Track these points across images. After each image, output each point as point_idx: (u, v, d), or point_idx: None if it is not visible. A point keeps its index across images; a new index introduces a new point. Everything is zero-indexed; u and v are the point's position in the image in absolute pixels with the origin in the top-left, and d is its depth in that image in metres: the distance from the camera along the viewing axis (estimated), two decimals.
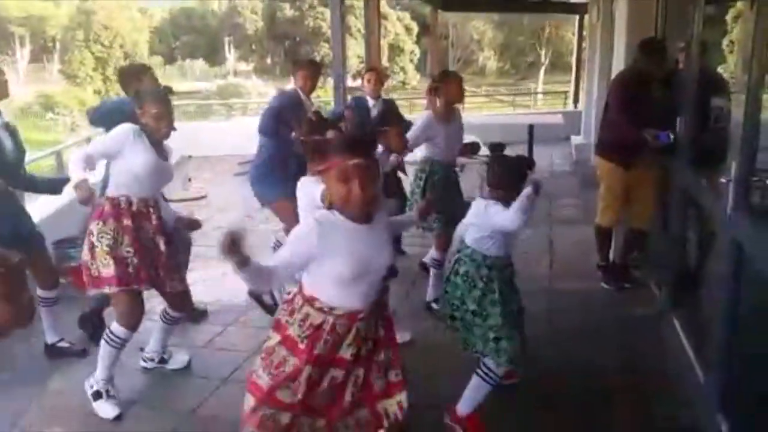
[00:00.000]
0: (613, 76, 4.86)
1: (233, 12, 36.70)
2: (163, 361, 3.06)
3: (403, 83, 33.30)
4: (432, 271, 3.66)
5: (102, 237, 2.59)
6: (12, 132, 2.96)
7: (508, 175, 2.38)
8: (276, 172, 3.57)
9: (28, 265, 2.92)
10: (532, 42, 37.25)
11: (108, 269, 2.57)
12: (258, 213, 5.43)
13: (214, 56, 37.49)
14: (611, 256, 4.08)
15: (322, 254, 1.70)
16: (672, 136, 3.37)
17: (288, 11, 34.78)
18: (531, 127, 8.03)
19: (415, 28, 34.05)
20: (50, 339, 3.18)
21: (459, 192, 3.64)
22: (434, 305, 3.55)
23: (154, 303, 3.11)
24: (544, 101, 22.52)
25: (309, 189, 2.36)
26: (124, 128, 2.59)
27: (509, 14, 30.30)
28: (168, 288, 2.80)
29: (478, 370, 2.41)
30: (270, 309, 3.43)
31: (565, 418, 2.58)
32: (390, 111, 4.28)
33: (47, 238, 3.30)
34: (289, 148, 3.23)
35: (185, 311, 3.02)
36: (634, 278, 4.00)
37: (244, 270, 1.62)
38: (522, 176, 2.41)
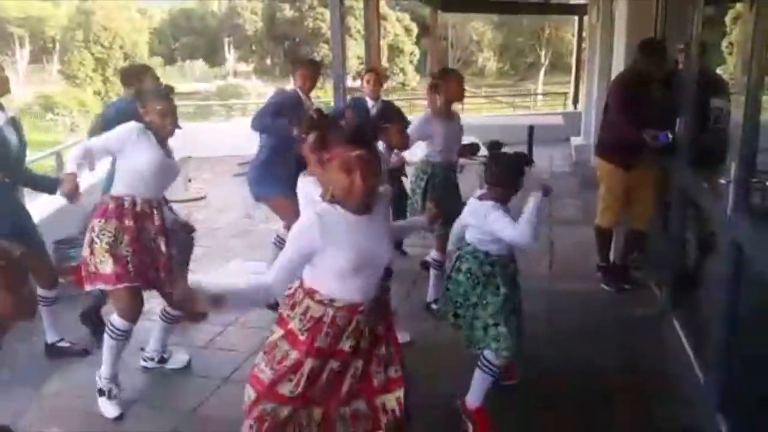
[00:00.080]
0: (612, 76, 4.87)
1: (233, 13, 36.70)
2: (163, 360, 3.06)
3: (403, 84, 33.31)
4: (432, 271, 3.66)
5: (102, 234, 2.59)
6: (17, 127, 2.97)
7: (506, 172, 2.38)
8: (274, 170, 3.57)
9: (29, 260, 2.93)
10: (531, 43, 37.26)
11: (105, 267, 2.58)
12: (257, 212, 5.45)
13: (213, 57, 37.49)
14: (611, 256, 4.08)
15: (324, 247, 1.71)
16: (671, 136, 3.37)
17: (287, 12, 34.79)
18: (531, 128, 8.05)
19: (415, 29, 34.05)
20: (50, 338, 3.18)
21: (458, 193, 3.65)
22: (434, 305, 3.55)
23: (154, 303, 3.12)
24: (544, 102, 22.54)
25: (308, 189, 2.36)
26: (129, 126, 2.60)
27: (509, 15, 30.23)
28: (168, 288, 2.80)
29: (479, 363, 2.44)
30: (271, 306, 3.42)
31: (565, 419, 2.59)
32: (390, 108, 4.28)
33: (47, 238, 3.30)
34: (289, 147, 3.23)
35: (185, 310, 3.03)
36: (634, 279, 4.01)
37: (230, 304, 1.69)
38: (520, 173, 2.41)
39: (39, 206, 4.07)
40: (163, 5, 38.87)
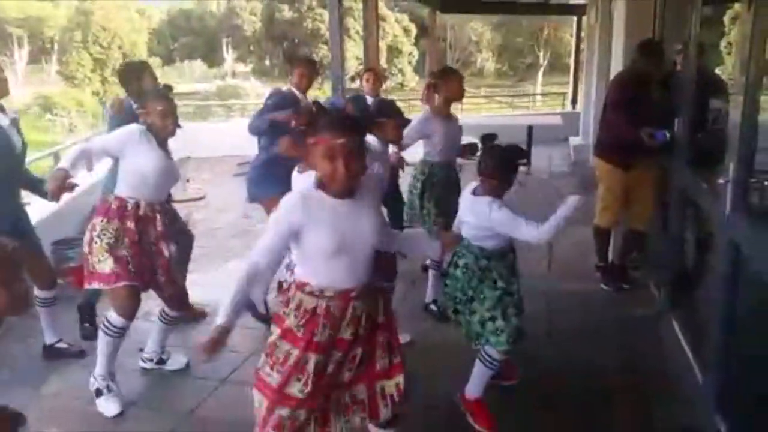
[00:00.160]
0: (611, 77, 4.87)
1: (231, 13, 36.70)
2: (161, 361, 3.06)
3: (402, 85, 33.32)
4: (431, 271, 3.66)
5: (103, 234, 2.59)
6: (18, 129, 2.97)
7: (501, 164, 2.37)
8: (274, 171, 3.55)
9: (24, 255, 2.93)
10: (530, 43, 37.29)
11: (104, 266, 2.58)
12: (256, 213, 5.44)
13: (212, 57, 37.48)
14: (610, 256, 4.09)
15: (307, 224, 1.70)
16: (668, 135, 3.38)
17: (286, 13, 34.78)
18: (530, 128, 8.06)
19: (414, 30, 34.07)
20: (48, 339, 3.17)
21: (459, 192, 3.64)
22: (433, 306, 3.55)
23: (152, 304, 3.11)
24: (543, 102, 22.55)
25: (303, 185, 2.36)
26: (130, 129, 2.60)
27: (507, 16, 30.27)
28: (167, 291, 2.80)
29: (480, 356, 2.45)
30: (263, 318, 3.40)
31: (564, 418, 2.59)
32: (388, 104, 4.29)
33: (46, 239, 3.30)
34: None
35: (183, 311, 3.03)
36: (633, 279, 4.01)
37: (234, 318, 1.73)
38: (514, 167, 2.40)
39: (37, 207, 4.06)
40: (161, 6, 38.92)
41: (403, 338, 3.13)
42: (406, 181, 3.83)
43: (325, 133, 1.69)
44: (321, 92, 15.18)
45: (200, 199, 6.73)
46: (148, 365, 3.05)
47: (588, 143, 7.77)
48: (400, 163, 3.62)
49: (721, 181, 2.33)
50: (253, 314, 3.52)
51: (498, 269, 2.40)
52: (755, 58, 2.09)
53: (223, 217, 5.94)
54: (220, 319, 1.71)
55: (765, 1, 2.05)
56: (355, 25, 23.96)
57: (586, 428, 2.57)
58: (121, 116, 3.14)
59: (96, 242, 2.60)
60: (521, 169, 2.56)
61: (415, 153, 3.68)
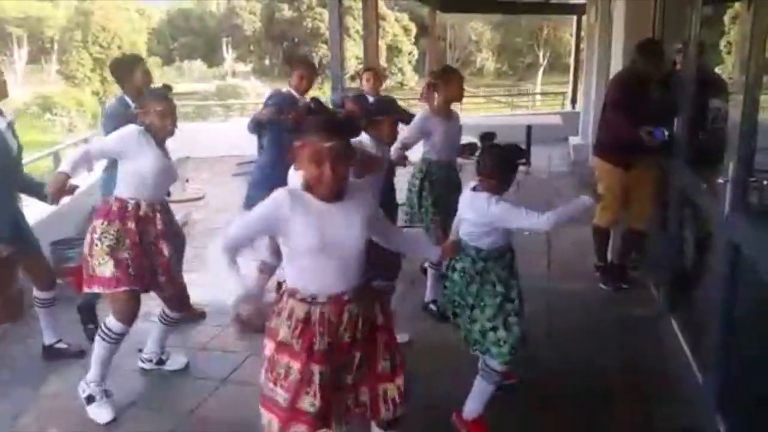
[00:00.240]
0: (611, 76, 4.87)
1: (231, 13, 36.70)
2: (161, 362, 3.06)
3: (402, 84, 33.31)
4: (430, 271, 3.66)
5: (104, 237, 2.58)
6: (14, 132, 2.96)
7: (500, 164, 2.35)
8: (274, 173, 3.55)
9: (19, 262, 2.93)
10: (530, 43, 37.29)
11: (104, 270, 2.57)
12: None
13: (212, 57, 37.47)
14: (609, 256, 4.08)
15: (292, 221, 1.69)
16: (667, 133, 3.37)
17: (286, 12, 34.78)
18: (529, 127, 8.06)
19: (414, 29, 34.08)
20: (48, 340, 3.17)
21: (460, 191, 3.64)
22: (432, 306, 3.55)
23: (152, 305, 3.11)
24: (543, 102, 22.53)
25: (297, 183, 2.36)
26: (130, 129, 2.59)
27: (507, 15, 30.29)
28: (168, 291, 2.80)
29: (481, 372, 2.40)
30: (258, 329, 3.39)
31: (564, 418, 2.58)
32: (385, 101, 4.27)
33: (45, 239, 3.29)
34: (283, 149, 3.21)
35: (183, 311, 3.02)
36: (632, 278, 4.01)
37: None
38: (514, 166, 2.39)
39: (36, 207, 4.06)
40: (161, 5, 38.89)
41: (403, 338, 3.14)
42: (400, 180, 3.82)
43: (311, 136, 1.67)
44: (321, 92, 15.19)
45: (200, 199, 6.73)
46: (148, 365, 3.05)
47: (587, 143, 7.77)
48: (403, 161, 3.58)
49: (720, 180, 2.33)
50: (249, 327, 3.51)
51: (496, 271, 2.36)
52: (755, 57, 2.09)
53: (222, 217, 5.92)
54: (241, 295, 1.79)
55: (765, 0, 2.05)
56: (354, 24, 23.94)
57: (586, 428, 2.57)
58: (118, 114, 3.14)
59: (97, 245, 2.58)
60: (521, 168, 2.54)
61: (417, 151, 3.68)
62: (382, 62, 25.92)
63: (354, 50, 23.78)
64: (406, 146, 3.42)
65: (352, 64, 22.39)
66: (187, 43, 37.82)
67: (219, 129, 10.59)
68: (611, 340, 3.27)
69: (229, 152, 8.42)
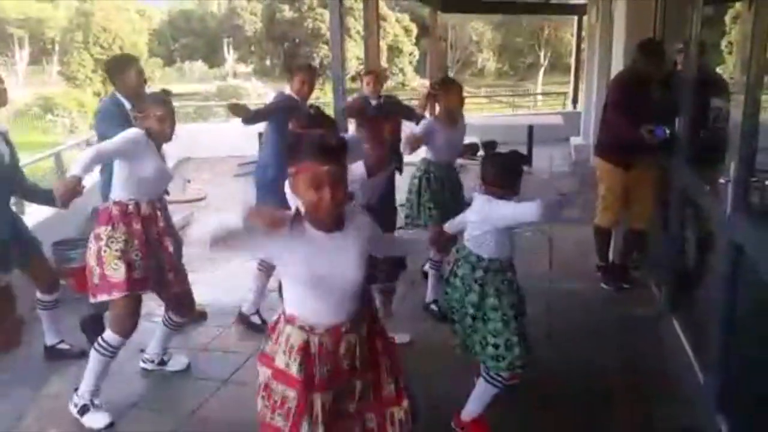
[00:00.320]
0: (612, 77, 4.86)
1: (232, 13, 36.72)
2: (162, 362, 3.06)
3: (403, 84, 33.32)
4: (431, 272, 3.67)
5: (111, 242, 2.57)
6: (8, 140, 2.96)
7: (502, 172, 2.35)
8: (279, 176, 3.54)
9: (23, 270, 2.93)
10: (531, 43, 37.29)
11: (118, 274, 2.56)
12: None
13: (213, 58, 37.50)
14: (611, 256, 4.08)
15: (287, 260, 1.66)
16: (668, 132, 3.38)
17: (287, 13, 34.79)
18: (530, 128, 8.06)
19: (414, 30, 34.08)
20: (50, 341, 3.17)
21: (460, 192, 3.65)
22: (433, 306, 3.56)
23: (154, 305, 3.11)
24: (544, 102, 22.53)
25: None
26: (136, 132, 2.58)
27: (508, 15, 30.29)
28: (175, 289, 2.80)
29: (485, 374, 2.39)
30: (259, 328, 3.40)
31: (564, 419, 2.58)
32: (390, 104, 4.27)
33: (47, 240, 3.29)
34: (283, 155, 3.20)
35: (189, 315, 3.02)
36: (634, 278, 4.00)
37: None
38: (517, 173, 2.39)
39: (38, 208, 4.07)
40: (162, 6, 38.94)
41: (402, 339, 3.15)
42: (400, 180, 3.83)
43: (308, 161, 1.60)
44: (322, 93, 15.20)
45: (201, 199, 6.73)
46: (149, 366, 3.05)
47: (589, 143, 7.76)
48: (416, 143, 3.51)
49: (722, 180, 2.32)
50: (248, 324, 3.52)
51: (495, 284, 2.34)
52: (756, 57, 2.09)
53: (223, 218, 5.93)
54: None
55: (766, 0, 2.05)
56: (355, 24, 23.97)
57: (586, 428, 2.56)
58: (111, 113, 3.14)
59: (105, 251, 2.56)
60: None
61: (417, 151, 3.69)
62: (383, 63, 25.93)
63: (355, 51, 23.80)
64: (409, 152, 3.42)
65: (353, 65, 22.41)
66: (188, 44, 37.86)
67: (220, 130, 10.59)
68: (612, 339, 3.27)
69: (230, 153, 8.43)
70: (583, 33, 11.58)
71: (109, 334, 2.63)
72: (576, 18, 11.99)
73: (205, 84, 32.39)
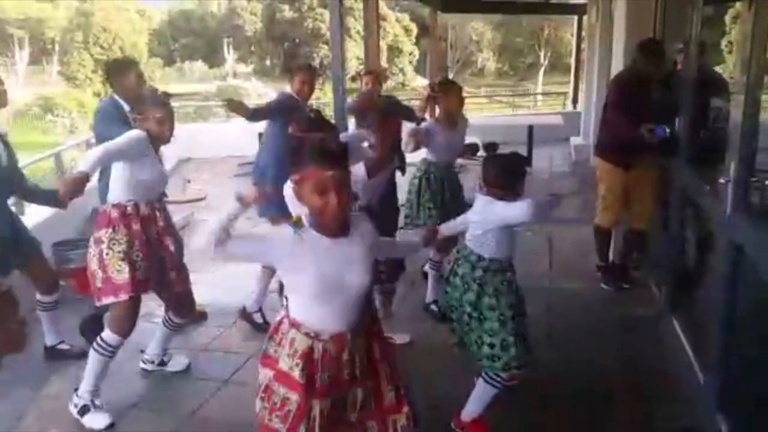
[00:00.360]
0: (612, 76, 4.86)
1: (232, 14, 36.72)
2: (163, 363, 3.06)
3: (403, 84, 33.33)
4: (431, 272, 3.67)
5: (114, 244, 2.57)
6: (6, 142, 2.95)
7: (504, 173, 2.36)
8: (272, 183, 3.52)
9: (23, 270, 2.93)
10: (531, 43, 37.29)
11: (122, 275, 2.56)
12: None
13: (213, 58, 37.50)
14: (611, 256, 4.08)
15: (292, 269, 1.67)
16: (668, 131, 3.38)
17: (287, 13, 34.79)
18: (530, 128, 8.06)
19: (414, 30, 34.08)
20: (50, 341, 3.17)
21: (460, 193, 3.65)
22: (433, 306, 3.55)
23: (154, 305, 3.11)
24: (544, 102, 22.52)
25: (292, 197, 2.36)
26: (139, 133, 2.59)
27: (508, 15, 30.29)
28: (177, 288, 2.81)
29: (484, 375, 2.39)
30: (261, 327, 3.40)
31: (565, 419, 2.58)
32: (392, 104, 4.27)
33: (46, 241, 3.29)
34: (285, 154, 3.21)
35: (189, 316, 3.02)
36: (634, 279, 4.00)
37: (237, 210, 1.70)
38: (519, 174, 2.39)
39: (38, 209, 4.07)
40: (162, 6, 38.94)
41: (403, 339, 3.15)
42: (401, 180, 3.83)
43: (312, 166, 1.61)
44: (322, 92, 15.19)
45: (201, 199, 6.73)
46: (149, 367, 3.05)
47: (589, 143, 7.76)
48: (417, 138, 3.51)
49: (722, 180, 2.32)
50: (249, 322, 3.52)
51: (494, 284, 2.34)
52: (756, 57, 2.09)
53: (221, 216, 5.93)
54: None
55: (766, 0, 2.05)
56: (355, 24, 23.96)
57: (586, 428, 2.57)
58: (109, 114, 3.14)
59: (108, 253, 2.56)
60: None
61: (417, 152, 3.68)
62: (383, 63, 25.94)
63: (355, 51, 23.78)
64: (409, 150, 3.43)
65: (353, 65, 22.40)
66: (188, 44, 37.86)
67: (220, 130, 10.59)
68: (612, 339, 3.27)
69: (230, 153, 8.43)
70: (583, 33, 11.58)
71: (108, 334, 2.64)
72: (576, 18, 11.99)
73: (205, 84, 32.38)
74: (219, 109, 20.68)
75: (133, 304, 2.64)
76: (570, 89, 12.73)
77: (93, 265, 2.59)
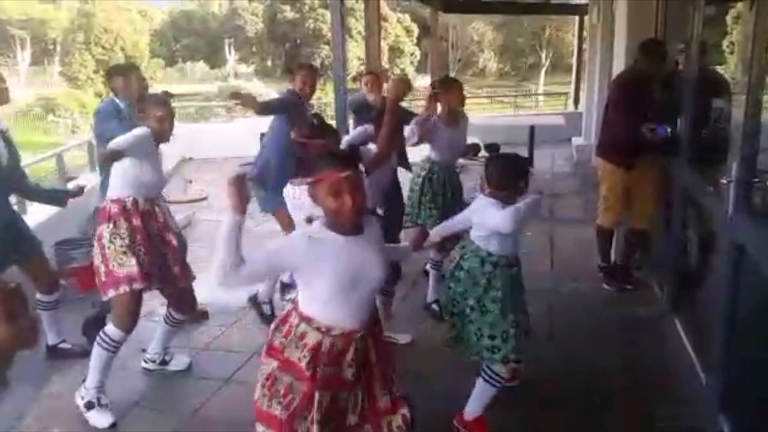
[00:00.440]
0: (613, 77, 4.86)
1: (234, 14, 36.75)
2: (164, 362, 3.06)
3: None
4: (431, 272, 3.67)
5: (115, 238, 2.60)
6: (8, 139, 2.96)
7: (506, 174, 2.37)
8: (277, 176, 3.54)
9: (33, 268, 2.95)
10: (532, 43, 37.28)
11: (123, 268, 2.59)
12: (257, 213, 5.44)
13: (214, 58, 37.53)
14: (613, 256, 4.08)
15: (310, 270, 1.68)
16: (669, 130, 3.38)
17: (288, 13, 34.82)
18: (532, 128, 8.04)
19: (416, 30, 34.09)
20: (51, 340, 3.18)
21: (461, 193, 3.65)
22: (434, 306, 3.55)
23: (155, 304, 3.12)
24: (545, 102, 22.51)
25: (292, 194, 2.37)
26: (145, 130, 2.62)
27: (509, 16, 30.29)
28: (181, 284, 2.81)
29: (483, 374, 2.39)
30: (267, 318, 3.41)
31: (566, 418, 2.58)
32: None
33: (48, 240, 3.29)
34: (289, 148, 3.21)
35: (190, 312, 3.03)
36: (636, 279, 4.00)
37: (234, 222, 1.69)
38: (521, 175, 2.40)
39: (40, 208, 4.07)
40: (163, 7, 38.99)
41: (403, 339, 3.15)
42: (403, 180, 3.83)
43: (327, 169, 1.66)
44: (323, 93, 15.21)
45: (202, 200, 6.74)
46: (151, 366, 3.05)
47: (590, 143, 7.76)
48: (426, 126, 3.50)
49: (723, 181, 2.32)
50: (259, 313, 3.53)
51: (502, 278, 2.36)
52: (758, 57, 2.09)
53: (225, 218, 5.93)
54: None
55: (767, 0, 2.05)
56: (357, 25, 23.99)
57: (588, 428, 2.56)
58: (110, 115, 3.15)
59: (109, 248, 2.59)
60: None
61: (417, 152, 3.69)
62: (384, 63, 25.92)
63: (356, 51, 23.80)
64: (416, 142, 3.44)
65: (355, 65, 22.41)
66: (189, 45, 37.90)
67: (221, 130, 10.61)
68: (614, 339, 3.27)
69: (232, 153, 8.43)
70: (585, 33, 11.58)
71: (110, 329, 2.66)
72: (577, 18, 11.98)
73: (206, 84, 32.38)
74: (220, 110, 20.73)
75: (135, 299, 2.65)
76: (571, 89, 12.73)
77: (96, 260, 2.64)
